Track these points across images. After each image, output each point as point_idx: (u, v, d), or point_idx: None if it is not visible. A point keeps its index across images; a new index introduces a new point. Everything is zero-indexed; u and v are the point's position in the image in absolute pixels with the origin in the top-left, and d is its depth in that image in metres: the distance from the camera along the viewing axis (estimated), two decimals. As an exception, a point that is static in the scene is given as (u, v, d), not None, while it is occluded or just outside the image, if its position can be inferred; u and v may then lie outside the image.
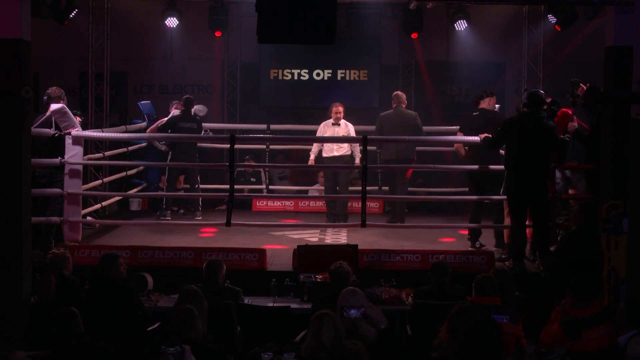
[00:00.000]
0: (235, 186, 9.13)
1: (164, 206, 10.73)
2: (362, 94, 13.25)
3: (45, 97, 8.56)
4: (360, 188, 8.83)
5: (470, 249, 8.66)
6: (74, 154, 8.61)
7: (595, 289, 5.75)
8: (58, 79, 11.05)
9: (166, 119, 10.83)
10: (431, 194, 11.73)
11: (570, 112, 8.44)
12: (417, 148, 10.54)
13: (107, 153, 10.81)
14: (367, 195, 8.61)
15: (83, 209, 9.17)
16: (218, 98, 13.84)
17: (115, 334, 5.61)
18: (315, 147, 10.70)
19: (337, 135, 10.41)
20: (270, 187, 12.34)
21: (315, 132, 10.70)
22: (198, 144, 11.04)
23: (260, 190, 12.33)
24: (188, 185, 11.07)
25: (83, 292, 6.58)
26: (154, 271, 7.35)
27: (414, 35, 12.06)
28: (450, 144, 10.19)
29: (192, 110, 10.90)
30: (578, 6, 9.68)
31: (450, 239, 9.50)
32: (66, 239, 8.54)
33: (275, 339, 5.82)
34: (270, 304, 6.95)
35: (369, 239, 9.22)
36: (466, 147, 9.01)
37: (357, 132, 10.61)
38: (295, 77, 13.24)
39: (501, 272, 6.55)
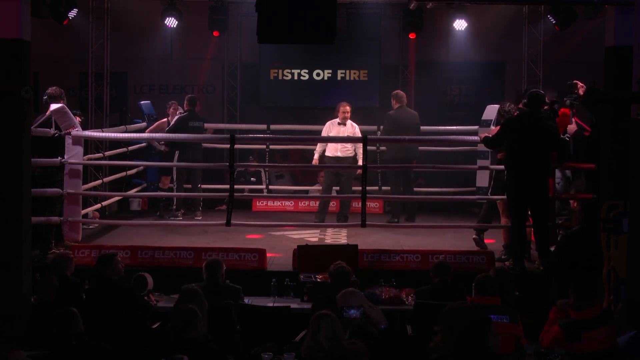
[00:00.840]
0: (235, 186, 9.13)
1: (175, 207, 10.71)
2: (362, 94, 13.21)
3: (45, 97, 8.55)
4: (360, 188, 8.83)
5: (470, 249, 8.64)
6: (74, 154, 8.60)
7: (595, 292, 5.75)
8: (58, 79, 11.01)
9: (174, 119, 10.80)
10: (432, 194, 11.73)
11: (569, 113, 8.43)
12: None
13: (107, 153, 10.81)
14: (367, 195, 8.61)
15: (83, 208, 9.17)
16: (218, 98, 13.82)
17: (115, 334, 5.62)
18: (319, 147, 10.69)
19: (341, 135, 10.41)
20: (270, 187, 12.35)
21: (315, 132, 10.69)
22: (197, 144, 11.04)
23: (260, 190, 12.33)
24: (189, 185, 11.07)
25: (83, 292, 6.59)
26: (154, 271, 7.34)
27: (412, 36, 12.08)
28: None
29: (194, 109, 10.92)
30: (578, 6, 9.67)
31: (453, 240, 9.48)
32: (66, 239, 8.54)
33: (275, 339, 5.82)
34: (270, 304, 6.94)
35: (369, 239, 9.22)
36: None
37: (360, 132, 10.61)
38: (295, 77, 13.22)
39: (501, 272, 6.56)
